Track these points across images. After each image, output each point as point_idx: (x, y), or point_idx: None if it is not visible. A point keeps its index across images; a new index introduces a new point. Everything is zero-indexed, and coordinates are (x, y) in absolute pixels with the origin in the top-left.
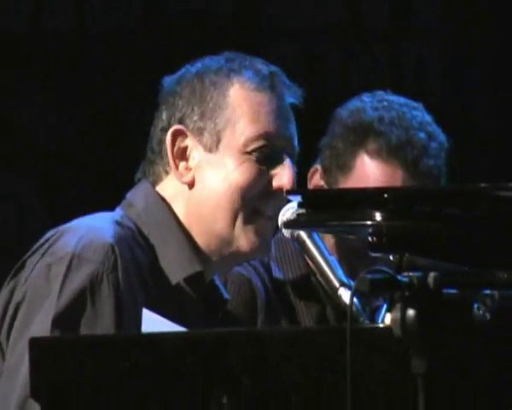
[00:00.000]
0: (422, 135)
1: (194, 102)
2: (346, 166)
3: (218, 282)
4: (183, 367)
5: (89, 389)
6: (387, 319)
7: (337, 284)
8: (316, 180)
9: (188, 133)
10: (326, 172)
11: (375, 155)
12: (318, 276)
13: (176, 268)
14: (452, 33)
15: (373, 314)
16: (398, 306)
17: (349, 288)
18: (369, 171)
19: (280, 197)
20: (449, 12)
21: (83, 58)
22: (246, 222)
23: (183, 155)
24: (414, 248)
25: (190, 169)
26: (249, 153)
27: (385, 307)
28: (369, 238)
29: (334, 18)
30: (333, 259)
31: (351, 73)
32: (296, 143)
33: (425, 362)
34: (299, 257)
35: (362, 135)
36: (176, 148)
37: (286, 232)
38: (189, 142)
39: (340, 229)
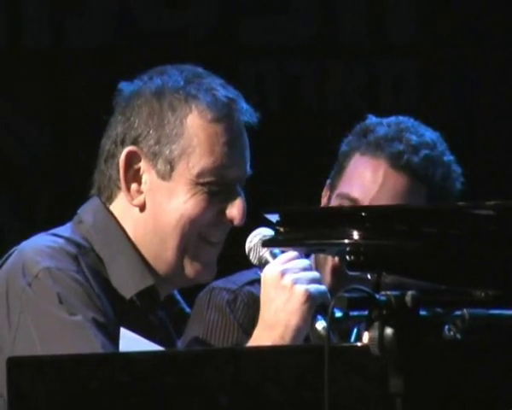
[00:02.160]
0: (415, 138)
1: (151, 124)
2: (341, 169)
3: (178, 297)
4: (159, 386)
5: (66, 407)
6: (365, 337)
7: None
8: (324, 197)
9: (142, 156)
10: (330, 184)
11: (366, 151)
12: None
13: (127, 284)
14: (428, 49)
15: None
16: (376, 324)
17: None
18: (356, 166)
19: (228, 227)
20: (424, 28)
21: (58, 73)
22: (193, 252)
23: (135, 176)
24: (391, 267)
25: (142, 192)
26: (202, 184)
27: (355, 330)
28: (347, 257)
29: (310, 35)
30: None
31: (327, 90)
32: (248, 168)
33: (403, 381)
34: None
35: (359, 137)
36: (129, 169)
37: (253, 258)
38: (143, 165)
39: (317, 247)
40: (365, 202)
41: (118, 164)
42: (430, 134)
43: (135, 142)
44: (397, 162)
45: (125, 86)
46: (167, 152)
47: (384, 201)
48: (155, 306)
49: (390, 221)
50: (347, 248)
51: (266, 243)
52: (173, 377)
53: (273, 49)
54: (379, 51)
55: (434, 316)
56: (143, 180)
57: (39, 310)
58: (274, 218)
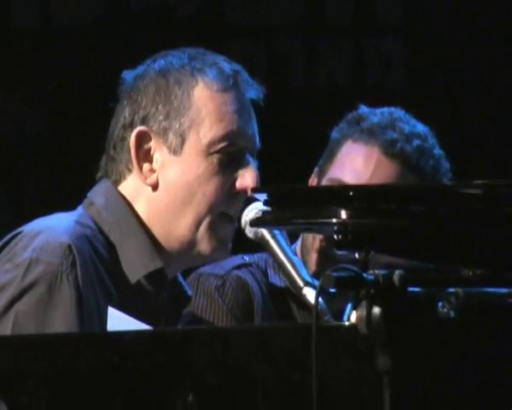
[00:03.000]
0: (407, 128)
1: (159, 101)
2: (332, 155)
3: (181, 279)
4: (147, 365)
5: (51, 387)
6: (353, 316)
7: (301, 284)
8: (313, 182)
9: (152, 134)
10: (319, 170)
11: (358, 138)
12: (282, 275)
13: (136, 265)
14: (415, 29)
15: (338, 315)
16: (364, 303)
17: (313, 287)
18: (348, 152)
19: (242, 198)
20: (411, 7)
21: (47, 53)
22: (209, 227)
23: (146, 156)
24: (379, 246)
25: (154, 171)
26: (214, 153)
27: (349, 306)
28: (335, 236)
29: (296, 15)
30: (297, 258)
31: (314, 69)
32: (258, 141)
33: (390, 360)
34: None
35: (351, 124)
36: (140, 149)
37: (249, 232)
38: (153, 143)
39: (305, 227)
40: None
41: (128, 147)
42: (421, 126)
43: (143, 121)
44: (390, 150)
45: (128, 73)
46: (177, 125)
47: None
48: (163, 288)
49: (378, 200)
50: (335, 228)
51: (254, 223)
52: (161, 356)
53: (260, 28)
54: (366, 30)
55: (425, 294)
56: (155, 158)
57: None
58: (262, 197)
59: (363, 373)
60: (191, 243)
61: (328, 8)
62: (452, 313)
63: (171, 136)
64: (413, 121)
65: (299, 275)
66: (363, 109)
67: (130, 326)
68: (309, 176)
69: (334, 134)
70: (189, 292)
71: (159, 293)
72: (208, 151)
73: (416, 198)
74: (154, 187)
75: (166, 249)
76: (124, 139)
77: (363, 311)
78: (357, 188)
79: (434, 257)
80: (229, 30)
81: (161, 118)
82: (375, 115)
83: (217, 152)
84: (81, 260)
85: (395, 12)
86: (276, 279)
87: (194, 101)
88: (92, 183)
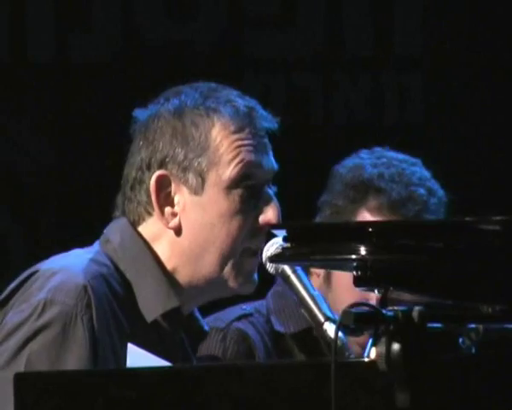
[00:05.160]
0: (422, 191)
1: (176, 143)
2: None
3: (197, 313)
4: (164, 401)
5: None
6: (372, 353)
7: (322, 319)
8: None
9: (172, 178)
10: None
11: (376, 211)
12: (303, 311)
13: (153, 304)
14: (434, 62)
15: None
16: (383, 340)
17: (334, 322)
18: None
19: (265, 232)
20: (430, 41)
21: (63, 87)
22: (234, 264)
23: (167, 199)
24: (398, 282)
25: (176, 214)
26: (234, 191)
27: (369, 342)
28: (354, 272)
29: (316, 48)
30: (318, 294)
31: (333, 102)
32: (275, 168)
33: (410, 396)
34: (300, 309)
35: (362, 192)
36: (160, 193)
37: (270, 267)
38: (173, 186)
39: (324, 263)
40: None
41: (146, 190)
42: (421, 171)
43: (162, 165)
44: None
45: (141, 112)
46: (196, 165)
47: None
48: (179, 326)
49: (396, 236)
50: (354, 264)
51: (273, 259)
52: (177, 392)
53: (279, 62)
54: (385, 63)
55: (445, 330)
56: (176, 201)
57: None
58: (281, 233)
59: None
60: (217, 281)
61: (346, 41)
62: (473, 349)
63: (191, 177)
64: (414, 168)
65: (320, 310)
66: (366, 170)
67: (149, 362)
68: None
69: (340, 197)
70: (206, 327)
71: (175, 331)
72: (229, 189)
73: (435, 234)
74: (177, 230)
75: (188, 288)
76: (142, 182)
77: (382, 347)
78: (376, 224)
79: (453, 293)
80: (247, 63)
81: (180, 160)
82: (387, 183)
83: (237, 189)
84: (96, 301)
85: (414, 46)
86: (281, 326)
87: (211, 142)
88: (109, 218)
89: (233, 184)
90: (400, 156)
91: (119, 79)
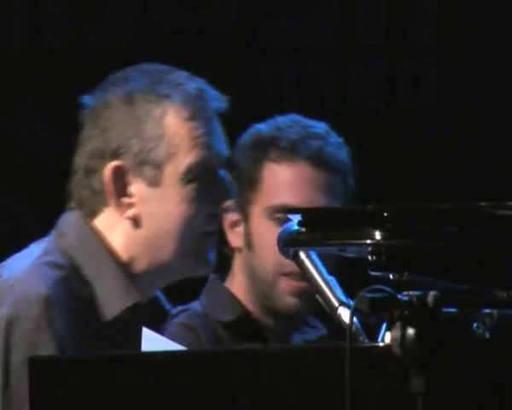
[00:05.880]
0: (319, 130)
1: (130, 133)
2: (255, 183)
3: (159, 294)
4: (177, 386)
5: (87, 407)
6: (387, 337)
7: (336, 304)
8: (230, 217)
9: (127, 169)
10: (237, 202)
11: (279, 159)
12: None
13: (113, 301)
14: (448, 50)
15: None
16: (398, 324)
17: (348, 307)
18: (278, 175)
19: (221, 214)
20: (444, 29)
21: (77, 75)
22: (193, 248)
23: (123, 190)
24: (413, 267)
25: (132, 205)
26: (191, 181)
27: (383, 327)
28: (369, 257)
29: (329, 36)
30: (332, 278)
31: (346, 90)
32: (227, 150)
33: (424, 381)
34: (232, 299)
35: (262, 147)
36: (116, 185)
37: (283, 252)
38: (130, 177)
39: (338, 248)
40: (301, 206)
41: (100, 178)
42: (321, 123)
43: (116, 154)
44: (318, 159)
45: (90, 99)
46: (151, 156)
47: (317, 199)
48: (141, 316)
49: (411, 221)
50: (369, 249)
51: (287, 244)
52: (192, 376)
53: (292, 50)
54: (398, 52)
55: (460, 315)
56: (132, 192)
57: None
58: (295, 218)
59: (397, 394)
60: (176, 266)
61: (359, 29)
62: (487, 334)
63: (146, 168)
64: (313, 121)
65: (334, 295)
66: (264, 128)
67: (164, 346)
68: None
69: (240, 161)
70: (167, 307)
71: (137, 321)
72: (186, 179)
73: (450, 219)
74: (134, 220)
75: (146, 276)
76: (94, 170)
77: (397, 332)
78: (391, 209)
79: (468, 278)
80: (260, 52)
81: (135, 152)
82: (284, 131)
83: (194, 178)
84: (60, 310)
85: (427, 33)
86: (218, 316)
87: (165, 131)
88: None
89: (189, 172)
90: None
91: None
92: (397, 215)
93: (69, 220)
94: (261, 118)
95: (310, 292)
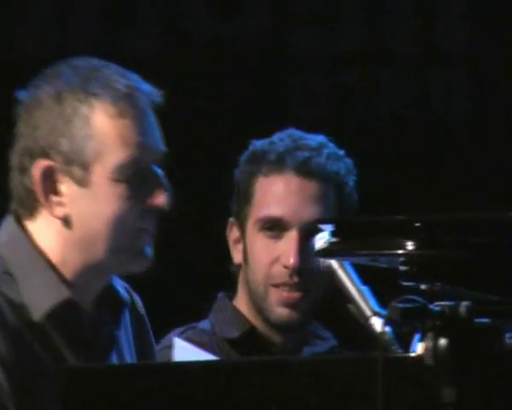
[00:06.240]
0: (312, 142)
1: (59, 132)
2: (248, 197)
3: (115, 284)
4: (206, 396)
5: None
6: (419, 348)
7: (369, 313)
8: (233, 233)
9: (56, 168)
10: (237, 219)
11: (268, 172)
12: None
13: (39, 301)
14: (478, 58)
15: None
16: (430, 335)
17: (381, 317)
18: (266, 188)
19: (155, 212)
20: (476, 37)
21: None
22: (128, 245)
23: (53, 190)
24: (445, 277)
25: (63, 204)
26: (122, 181)
27: (416, 337)
28: (401, 267)
29: (360, 45)
30: (365, 288)
31: (377, 99)
32: (162, 146)
33: (456, 391)
34: (239, 316)
35: (255, 162)
36: (45, 184)
37: (317, 262)
38: (59, 176)
39: (370, 258)
40: (289, 216)
41: (31, 179)
42: (319, 136)
43: (45, 153)
44: (305, 169)
45: (23, 95)
46: (81, 157)
47: (305, 210)
48: (78, 319)
49: (443, 231)
50: (401, 259)
51: (319, 254)
52: (222, 386)
53: (322, 59)
54: (429, 60)
55: (492, 325)
56: (62, 191)
57: None
58: (327, 228)
59: (429, 405)
60: (112, 264)
61: (390, 38)
62: None
63: (76, 169)
64: (310, 135)
65: (367, 304)
66: (259, 143)
67: (195, 356)
68: (379, 207)
69: (240, 176)
70: (125, 295)
71: (74, 324)
72: (116, 178)
73: (482, 229)
74: (64, 220)
75: (82, 276)
76: (26, 169)
77: (429, 342)
78: (422, 219)
79: (500, 288)
80: (290, 61)
81: (64, 151)
82: (277, 144)
83: (124, 175)
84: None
85: (459, 42)
86: (226, 333)
87: (94, 130)
88: None
89: (119, 171)
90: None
91: (163, 75)
92: (428, 225)
93: (4, 224)
94: (292, 127)
95: (305, 303)
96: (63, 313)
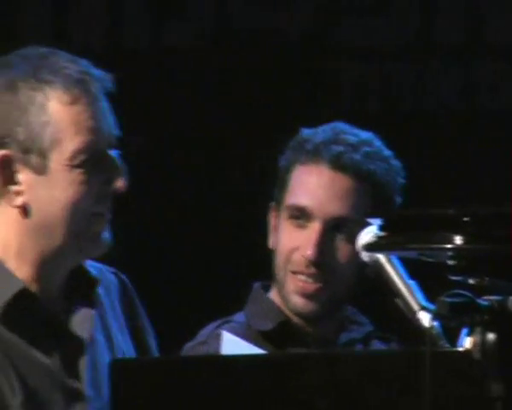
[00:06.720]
0: (352, 137)
1: (13, 121)
2: (285, 183)
3: (84, 266)
4: (257, 390)
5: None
6: (467, 342)
7: (416, 308)
8: (272, 218)
9: (13, 157)
10: (276, 204)
11: (305, 160)
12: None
13: None
14: None
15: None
16: (478, 329)
17: (428, 311)
18: (299, 176)
19: (111, 195)
20: None
21: (156, 73)
22: (85, 230)
23: (10, 179)
24: (493, 272)
25: (21, 193)
26: (78, 166)
27: (464, 331)
28: (449, 262)
29: (408, 37)
30: (413, 282)
31: (425, 91)
32: (115, 130)
33: (504, 386)
34: (274, 308)
35: (296, 149)
36: (3, 174)
37: (364, 256)
38: (16, 165)
39: (418, 252)
40: (314, 208)
41: None
42: (365, 134)
43: (2, 143)
44: (338, 163)
45: None
46: (37, 145)
47: (331, 203)
48: (37, 307)
49: (492, 226)
50: (449, 253)
51: (367, 248)
52: (272, 380)
53: (373, 51)
54: (477, 51)
55: None
56: (20, 180)
57: None
58: (376, 221)
59: (476, 399)
60: (70, 251)
61: (438, 30)
62: None
63: (33, 157)
64: (356, 131)
65: (415, 299)
66: (305, 132)
67: (243, 350)
68: (427, 198)
69: (282, 163)
70: (95, 273)
71: (33, 312)
72: (72, 164)
73: None
74: (23, 209)
75: (42, 264)
76: None
77: (477, 337)
78: (471, 213)
79: None
80: (341, 53)
81: (20, 140)
82: (318, 134)
83: (80, 163)
84: None
85: (507, 33)
86: (260, 325)
87: (49, 117)
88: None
89: (75, 157)
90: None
91: (212, 67)
92: (477, 219)
93: None
94: (339, 120)
95: (323, 295)
96: (21, 304)
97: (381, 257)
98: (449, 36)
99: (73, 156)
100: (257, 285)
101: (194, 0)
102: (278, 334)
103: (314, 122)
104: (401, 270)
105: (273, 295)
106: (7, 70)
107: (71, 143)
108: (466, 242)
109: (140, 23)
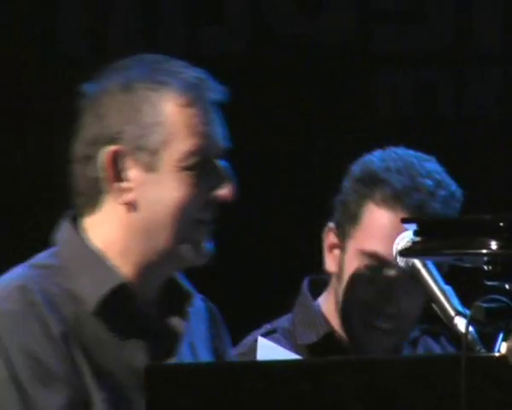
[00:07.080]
0: (429, 182)
1: (127, 119)
2: (355, 218)
3: (179, 278)
4: (293, 395)
5: None
6: (503, 347)
7: (452, 313)
8: (331, 239)
9: (125, 154)
10: (338, 228)
11: (381, 203)
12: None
13: (92, 291)
14: None
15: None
16: None
17: (465, 317)
18: (376, 220)
19: (217, 204)
20: None
21: None
22: (187, 237)
23: (121, 175)
24: None
25: (130, 190)
26: (188, 169)
27: (500, 337)
28: (485, 267)
29: (444, 43)
30: (449, 288)
31: (462, 98)
32: (227, 142)
33: None
34: (320, 317)
35: (369, 185)
36: (114, 169)
37: (400, 261)
38: (127, 162)
39: (454, 257)
40: (392, 256)
41: (97, 167)
42: (433, 165)
43: (114, 140)
44: (420, 213)
45: (90, 87)
46: (149, 143)
47: None
48: (133, 306)
49: None
50: (485, 259)
51: (403, 253)
52: (308, 385)
53: (407, 57)
54: None
55: None
56: (130, 177)
57: None
58: (412, 227)
59: None
60: (171, 255)
61: (475, 36)
62: None
63: (144, 154)
64: (424, 164)
65: (451, 304)
66: (375, 163)
67: (279, 355)
68: (464, 203)
69: (347, 190)
70: (189, 287)
71: (128, 309)
72: (183, 166)
73: None
74: (130, 206)
75: (143, 265)
76: (91, 158)
77: None
78: (507, 218)
79: None
80: (375, 59)
81: (132, 136)
82: (392, 175)
83: (190, 166)
84: (35, 298)
85: None
86: (305, 337)
87: (163, 117)
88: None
89: (185, 159)
90: (413, 152)
91: (249, 74)
92: None
93: (59, 227)
94: (376, 125)
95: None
96: (118, 299)
97: (417, 262)
98: (485, 43)
99: (184, 158)
100: (306, 285)
101: (230, 4)
102: (323, 346)
103: (351, 128)
104: (437, 275)
105: (322, 300)
106: (124, 72)
107: (182, 145)
108: (502, 247)
109: (175, 32)
